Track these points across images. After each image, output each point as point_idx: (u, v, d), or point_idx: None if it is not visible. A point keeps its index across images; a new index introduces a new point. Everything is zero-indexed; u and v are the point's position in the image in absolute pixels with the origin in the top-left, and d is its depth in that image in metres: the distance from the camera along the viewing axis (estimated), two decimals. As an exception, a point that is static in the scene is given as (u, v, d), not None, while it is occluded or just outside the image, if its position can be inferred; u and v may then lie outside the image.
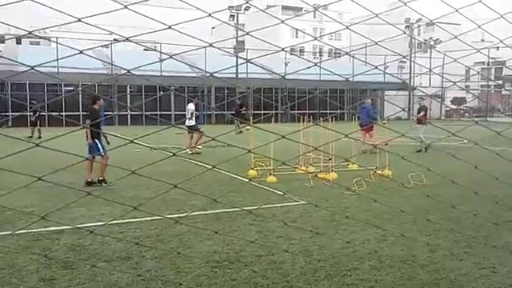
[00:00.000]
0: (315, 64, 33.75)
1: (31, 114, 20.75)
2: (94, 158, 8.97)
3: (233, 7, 38.91)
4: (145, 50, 42.62)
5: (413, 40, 44.61)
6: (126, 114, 33.08)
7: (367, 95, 30.52)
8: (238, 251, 5.13)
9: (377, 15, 2.73)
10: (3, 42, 32.28)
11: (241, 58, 33.32)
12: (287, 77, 34.13)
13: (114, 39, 34.70)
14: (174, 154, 3.00)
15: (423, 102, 17.50)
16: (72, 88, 32.55)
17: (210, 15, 2.08)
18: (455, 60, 3.14)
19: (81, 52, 1.87)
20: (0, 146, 4.01)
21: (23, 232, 5.77)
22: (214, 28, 70.27)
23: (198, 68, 30.05)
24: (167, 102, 34.51)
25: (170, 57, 2.23)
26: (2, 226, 6.10)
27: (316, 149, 2.80)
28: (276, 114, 35.58)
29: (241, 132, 20.78)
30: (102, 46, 35.30)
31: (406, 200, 7.71)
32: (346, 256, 5.01)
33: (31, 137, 19.25)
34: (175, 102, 34.15)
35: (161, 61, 31.66)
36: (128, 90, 33.64)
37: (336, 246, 5.34)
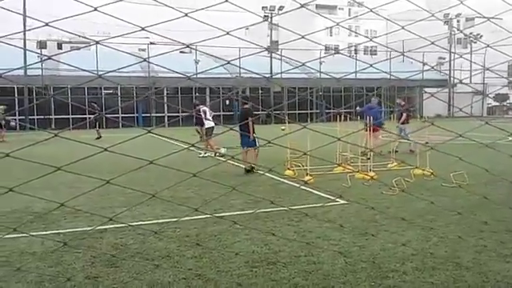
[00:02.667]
0: (371, 67, 33.27)
1: (91, 116, 22.05)
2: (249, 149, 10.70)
3: (266, 7, 38.95)
4: (180, 52, 43.29)
5: (453, 36, 43.28)
6: (164, 116, 33.69)
7: (404, 93, 29.77)
8: (276, 251, 5.12)
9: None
10: (45, 46, 33.50)
11: (272, 51, 33.30)
12: (323, 76, 33.92)
13: (151, 42, 35.45)
14: (217, 154, 3.02)
15: (403, 102, 16.55)
16: (111, 91, 33.43)
17: (227, 33, 2.06)
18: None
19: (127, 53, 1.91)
20: (63, 147, 4.16)
21: (69, 231, 5.97)
22: (247, 29, 70.45)
23: (223, 61, 30.23)
24: (203, 104, 34.91)
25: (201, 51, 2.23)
26: (48, 225, 6.32)
27: (365, 146, 2.75)
28: (311, 113, 35.39)
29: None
30: (139, 49, 36.13)
31: (449, 200, 7.49)
32: (388, 257, 4.91)
33: (99, 137, 20.16)
34: (210, 104, 34.49)
35: (196, 62, 32.09)
36: (165, 92, 34.25)
37: (377, 246, 5.24)
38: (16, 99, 30.56)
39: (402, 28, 2.61)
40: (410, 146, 13.67)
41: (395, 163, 10.62)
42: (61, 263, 4.81)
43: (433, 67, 42.95)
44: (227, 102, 34.95)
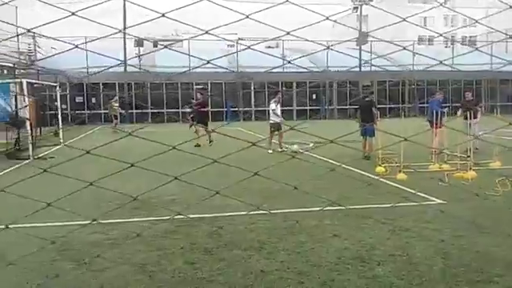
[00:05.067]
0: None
1: (189, 111, 23.33)
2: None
3: (356, -2, 38.00)
4: (267, 47, 43.77)
5: None
6: (250, 110, 34.30)
7: (510, 86, 27.40)
8: (369, 249, 5.01)
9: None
10: (142, 45, 35.67)
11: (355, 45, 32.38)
12: (415, 68, 32.39)
13: (239, 38, 36.26)
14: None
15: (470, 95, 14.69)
16: (201, 86, 34.71)
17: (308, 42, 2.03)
18: None
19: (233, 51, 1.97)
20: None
21: (167, 218, 6.33)
22: (335, 21, 69.15)
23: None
24: (289, 99, 35.01)
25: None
26: (150, 212, 6.76)
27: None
28: (403, 107, 33.93)
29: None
30: (228, 45, 37.11)
31: None
32: (492, 261, 4.59)
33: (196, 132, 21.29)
34: (296, 98, 34.45)
35: (283, 58, 32.23)
36: (252, 87, 34.82)
37: (479, 249, 4.92)
38: (117, 94, 32.94)
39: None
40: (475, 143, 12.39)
41: (498, 162, 9.86)
42: (162, 248, 5.13)
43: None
44: (314, 96, 34.68)
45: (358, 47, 35.00)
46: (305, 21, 1.94)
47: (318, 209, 6.70)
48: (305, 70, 31.43)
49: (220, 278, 4.25)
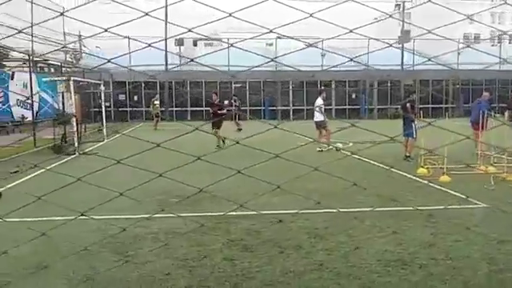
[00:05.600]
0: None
1: (234, 108, 23.82)
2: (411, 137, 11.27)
3: (398, -5, 37.14)
4: (306, 46, 43.46)
5: None
6: (288, 109, 34.22)
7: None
8: (411, 252, 4.91)
9: None
10: (182, 44, 36.28)
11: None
12: (460, 67, 31.35)
13: (278, 37, 36.16)
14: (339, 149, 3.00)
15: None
16: (240, 84, 34.90)
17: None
18: None
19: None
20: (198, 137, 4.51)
21: (207, 214, 6.42)
22: (376, 19, 67.91)
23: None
24: (328, 97, 34.68)
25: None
26: (189, 207, 6.87)
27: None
28: (446, 108, 32.96)
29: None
30: (267, 44, 37.10)
31: None
32: (542, 269, 4.39)
33: (240, 129, 21.49)
34: (335, 96, 34.09)
35: (322, 55, 31.96)
36: (290, 85, 34.72)
37: (528, 256, 4.72)
38: (158, 93, 33.63)
39: None
40: None
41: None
42: (201, 244, 5.21)
43: None
44: (353, 95, 34.21)
45: (400, 45, 34.20)
46: (344, 19, 1.93)
47: (358, 210, 6.62)
48: (345, 69, 31.04)
49: (258, 276, 4.27)
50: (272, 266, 4.53)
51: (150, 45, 2.30)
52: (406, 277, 4.28)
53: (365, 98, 34.17)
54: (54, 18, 24.31)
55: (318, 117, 14.14)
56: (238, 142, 2.34)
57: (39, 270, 4.40)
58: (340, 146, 14.07)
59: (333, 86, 33.41)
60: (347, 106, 33.50)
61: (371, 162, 10.68)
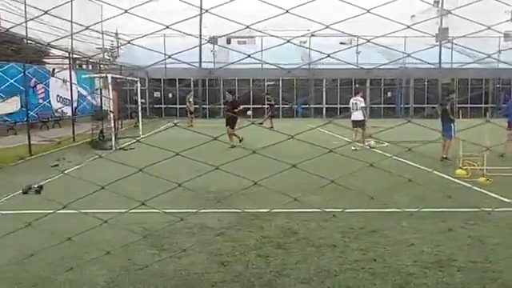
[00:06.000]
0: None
1: (268, 106, 23.92)
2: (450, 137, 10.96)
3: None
4: (341, 43, 42.99)
5: None
6: (322, 107, 33.97)
7: None
8: (448, 254, 4.80)
9: None
10: (216, 42, 36.60)
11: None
12: (501, 66, 30.28)
13: (312, 34, 35.92)
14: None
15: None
16: (273, 82, 34.90)
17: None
18: None
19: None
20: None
21: (240, 211, 6.46)
22: (413, 16, 66.40)
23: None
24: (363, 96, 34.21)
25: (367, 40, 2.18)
26: (224, 204, 6.94)
27: None
28: (486, 107, 31.94)
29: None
30: (301, 41, 36.96)
31: None
32: None
33: (272, 127, 21.60)
34: (370, 95, 33.58)
35: (357, 53, 31.53)
36: (324, 83, 34.45)
37: None
38: (192, 90, 34.06)
39: None
40: None
41: None
42: (236, 240, 5.26)
43: None
44: (389, 94, 33.61)
45: (437, 43, 33.38)
46: (378, 16, 1.89)
47: (394, 210, 6.52)
48: (379, 67, 30.53)
49: (293, 273, 4.28)
50: (306, 263, 4.53)
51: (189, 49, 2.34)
52: (443, 279, 4.19)
53: (400, 97, 33.53)
54: (101, 21, 25.00)
55: (357, 115, 13.89)
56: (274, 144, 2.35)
57: (79, 261, 4.56)
58: (373, 143, 13.89)
59: (368, 84, 32.94)
60: (382, 105, 32.93)
61: (408, 162, 10.47)
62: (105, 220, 3.08)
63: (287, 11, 1.90)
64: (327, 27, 1.99)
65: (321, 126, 19.15)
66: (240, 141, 14.06)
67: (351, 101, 14.36)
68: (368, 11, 1.88)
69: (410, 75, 32.41)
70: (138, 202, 2.78)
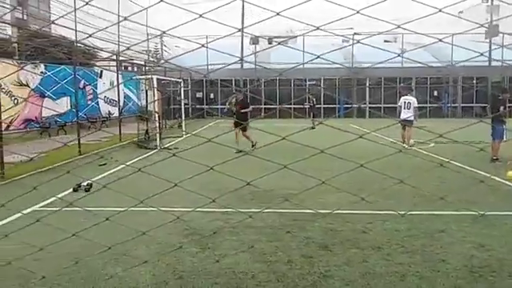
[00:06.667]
0: None
1: (309, 106, 23.85)
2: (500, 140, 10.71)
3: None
4: (385, 41, 42.10)
5: None
6: (365, 107, 33.39)
7: None
8: (500, 259, 4.61)
9: None
10: (257, 42, 36.75)
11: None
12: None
13: (355, 33, 35.35)
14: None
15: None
16: (314, 82, 34.64)
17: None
18: None
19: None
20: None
21: (283, 211, 6.46)
22: (461, 12, 64.12)
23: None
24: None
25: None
26: (267, 204, 6.97)
27: None
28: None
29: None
30: (343, 41, 36.48)
31: None
32: None
33: (313, 127, 21.48)
34: (416, 94, 32.66)
35: (402, 53, 30.76)
36: (367, 82, 33.85)
37: None
38: (234, 91, 34.36)
39: None
40: None
41: None
42: (279, 240, 5.26)
43: None
44: (435, 92, 32.59)
45: (487, 40, 32.08)
46: (425, 13, 1.83)
47: (442, 212, 6.33)
48: (425, 65, 29.69)
49: (338, 275, 4.23)
50: (350, 266, 4.47)
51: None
52: (494, 284, 4.02)
53: (448, 96, 32.45)
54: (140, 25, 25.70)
55: (408, 114, 13.70)
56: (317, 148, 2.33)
57: (125, 257, 4.70)
58: (412, 142, 13.63)
59: (413, 83, 32.07)
60: (428, 104, 31.97)
61: (457, 163, 10.13)
62: (177, 216, 3.15)
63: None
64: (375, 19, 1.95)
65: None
66: (253, 145, 13.03)
67: (402, 99, 14.24)
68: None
69: (458, 73, 31.31)
70: (178, 200, 2.83)
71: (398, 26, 2.10)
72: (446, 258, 4.65)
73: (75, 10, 23.67)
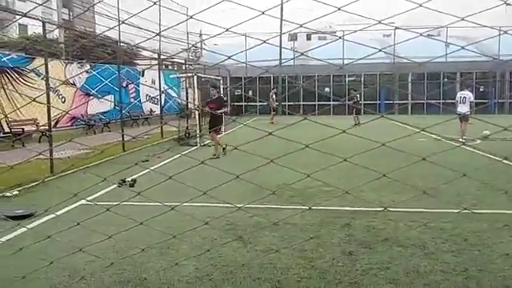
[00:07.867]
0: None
1: (352, 103, 23.71)
2: None
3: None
4: (428, 35, 40.91)
5: None
6: (407, 103, 32.62)
7: None
8: (552, 260, 4.42)
9: None
10: (296, 38, 36.64)
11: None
12: None
13: (396, 27, 34.56)
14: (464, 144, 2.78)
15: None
16: (353, 78, 34.13)
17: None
18: None
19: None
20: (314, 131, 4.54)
21: (323, 208, 6.43)
22: (509, 4, 61.34)
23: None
24: (452, 90, 32.31)
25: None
26: (306, 201, 6.96)
27: None
28: None
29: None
30: (384, 35, 35.75)
31: None
32: None
33: (357, 124, 21.23)
34: (460, 89, 31.58)
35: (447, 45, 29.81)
36: (409, 78, 33.04)
37: None
38: (273, 87, 34.39)
39: None
40: None
41: None
42: (319, 236, 5.25)
43: None
44: (481, 88, 31.40)
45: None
46: (470, 5, 1.79)
47: (489, 211, 6.13)
48: (471, 59, 28.66)
49: (380, 273, 4.18)
50: (393, 263, 4.40)
51: (265, 41, 2.39)
52: (544, 287, 3.86)
53: (494, 91, 31.20)
54: (181, 22, 26.11)
55: (464, 108, 13.92)
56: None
57: (169, 249, 4.82)
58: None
59: (457, 78, 31.04)
60: (474, 100, 30.86)
61: (504, 161, 9.76)
62: (238, 207, 3.22)
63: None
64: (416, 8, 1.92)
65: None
66: (223, 149, 12.14)
67: (458, 94, 14.61)
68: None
69: (505, 67, 30.04)
70: (220, 195, 2.88)
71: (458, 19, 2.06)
72: (492, 257, 4.50)
73: (118, 9, 24.35)
